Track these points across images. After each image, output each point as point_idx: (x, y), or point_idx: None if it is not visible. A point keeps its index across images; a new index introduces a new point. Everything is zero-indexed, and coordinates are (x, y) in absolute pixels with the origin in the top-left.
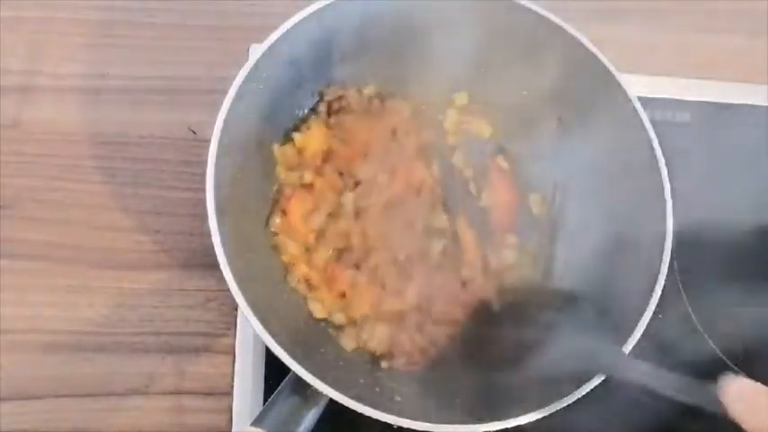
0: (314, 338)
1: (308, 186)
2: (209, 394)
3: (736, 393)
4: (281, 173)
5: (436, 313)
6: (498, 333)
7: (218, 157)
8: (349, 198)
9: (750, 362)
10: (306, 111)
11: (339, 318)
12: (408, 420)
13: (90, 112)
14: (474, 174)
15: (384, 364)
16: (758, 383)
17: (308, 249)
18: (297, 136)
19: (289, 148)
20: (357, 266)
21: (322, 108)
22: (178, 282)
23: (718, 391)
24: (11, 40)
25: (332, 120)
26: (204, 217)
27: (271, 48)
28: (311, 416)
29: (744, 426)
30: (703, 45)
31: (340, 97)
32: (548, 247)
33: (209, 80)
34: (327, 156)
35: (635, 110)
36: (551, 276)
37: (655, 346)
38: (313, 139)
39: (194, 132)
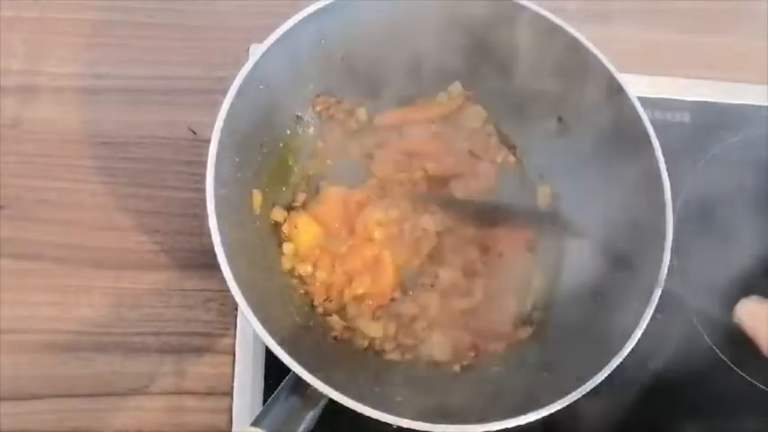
0: (314, 338)
1: None
2: (209, 394)
3: (748, 313)
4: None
5: None
6: None
7: (218, 157)
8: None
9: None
10: (305, 113)
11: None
12: (408, 420)
13: (90, 112)
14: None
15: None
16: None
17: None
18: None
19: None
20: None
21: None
22: (178, 282)
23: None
24: (11, 40)
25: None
26: (204, 217)
27: (271, 48)
28: (311, 416)
29: (756, 338)
30: (703, 45)
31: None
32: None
33: (209, 80)
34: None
35: (635, 110)
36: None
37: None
38: (304, 235)
39: (194, 132)
